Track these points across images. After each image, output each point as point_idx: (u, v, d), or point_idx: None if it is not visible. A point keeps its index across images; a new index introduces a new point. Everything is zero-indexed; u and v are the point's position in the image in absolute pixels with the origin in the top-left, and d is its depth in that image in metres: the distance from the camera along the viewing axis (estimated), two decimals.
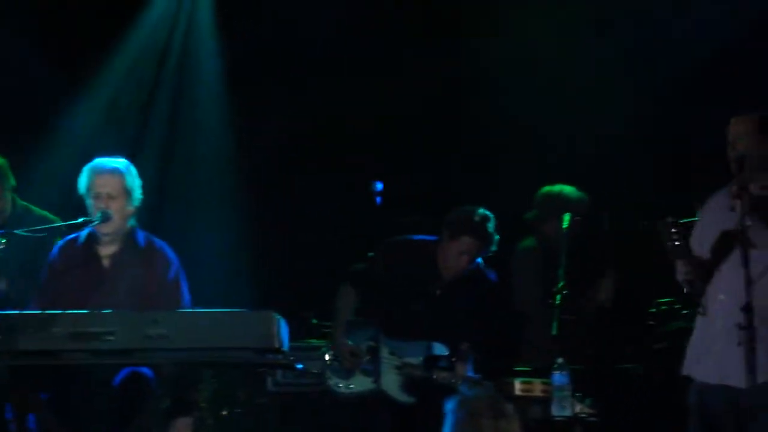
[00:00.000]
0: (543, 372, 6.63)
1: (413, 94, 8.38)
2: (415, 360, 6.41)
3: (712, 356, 5.57)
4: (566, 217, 6.80)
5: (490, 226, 6.54)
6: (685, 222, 5.61)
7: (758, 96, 6.45)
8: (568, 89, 8.07)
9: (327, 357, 6.56)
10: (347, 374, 6.41)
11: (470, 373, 6.42)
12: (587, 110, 8.00)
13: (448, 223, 6.54)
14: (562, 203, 7.12)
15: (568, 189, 7.32)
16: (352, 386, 6.39)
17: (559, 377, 6.43)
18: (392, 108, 8.40)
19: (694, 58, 7.77)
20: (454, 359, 6.42)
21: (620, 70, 8.04)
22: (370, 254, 6.63)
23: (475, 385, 6.32)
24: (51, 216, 6.77)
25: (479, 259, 6.63)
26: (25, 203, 6.99)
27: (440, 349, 6.44)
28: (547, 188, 7.39)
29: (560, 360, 6.43)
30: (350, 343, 6.47)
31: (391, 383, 6.38)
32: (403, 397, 6.39)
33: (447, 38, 8.38)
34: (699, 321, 5.74)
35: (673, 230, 5.45)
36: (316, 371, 7.38)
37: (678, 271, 5.64)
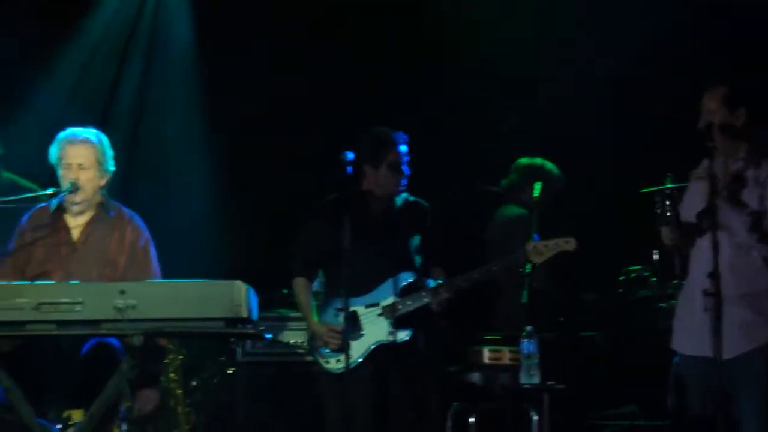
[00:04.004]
0: (512, 340, 6.67)
1: (388, 58, 8.42)
2: (391, 298, 6.38)
3: (690, 329, 5.62)
4: (537, 186, 6.82)
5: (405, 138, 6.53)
6: (677, 187, 5.69)
7: None
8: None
9: (312, 345, 6.52)
10: (339, 350, 6.36)
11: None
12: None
13: (371, 149, 6.46)
14: (543, 175, 7.17)
15: (549, 164, 7.42)
16: (349, 356, 6.33)
17: (527, 345, 6.47)
18: (365, 73, 8.43)
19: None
20: (421, 282, 6.39)
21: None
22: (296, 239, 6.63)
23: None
24: (37, 188, 6.75)
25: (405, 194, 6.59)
26: (10, 175, 6.98)
27: (406, 277, 6.39)
28: (527, 159, 7.45)
29: (529, 328, 6.47)
30: (325, 322, 6.44)
31: (380, 331, 6.33)
32: (398, 336, 6.31)
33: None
34: (681, 294, 5.81)
35: (667, 202, 5.54)
36: (285, 341, 7.42)
37: (664, 236, 5.72)
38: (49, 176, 6.13)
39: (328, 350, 6.40)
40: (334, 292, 6.41)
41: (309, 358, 6.91)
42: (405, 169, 6.48)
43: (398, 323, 6.34)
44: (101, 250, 5.89)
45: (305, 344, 7.32)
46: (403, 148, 6.48)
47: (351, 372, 6.25)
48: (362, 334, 6.33)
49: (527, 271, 6.38)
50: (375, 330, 6.35)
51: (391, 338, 6.33)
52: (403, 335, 6.32)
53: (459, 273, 6.41)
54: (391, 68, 8.54)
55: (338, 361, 6.33)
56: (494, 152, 7.84)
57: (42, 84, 8.55)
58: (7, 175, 7.02)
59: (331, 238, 6.22)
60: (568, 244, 6.29)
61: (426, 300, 6.33)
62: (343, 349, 6.14)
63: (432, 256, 6.53)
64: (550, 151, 7.47)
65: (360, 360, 6.30)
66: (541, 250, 6.31)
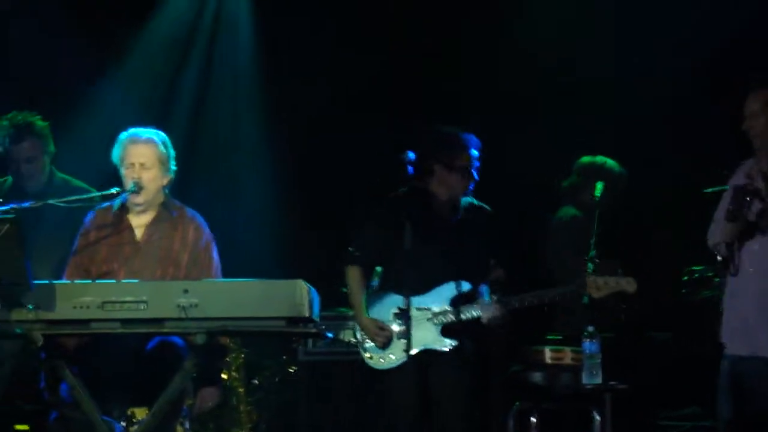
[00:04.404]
0: (573, 340, 6.65)
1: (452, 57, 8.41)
2: (444, 305, 6.37)
3: (743, 328, 5.58)
4: (599, 186, 6.80)
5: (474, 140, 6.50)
6: (714, 191, 5.66)
7: None
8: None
9: (357, 338, 6.52)
10: (384, 347, 6.37)
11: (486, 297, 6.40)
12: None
13: (440, 150, 6.44)
14: (605, 174, 7.13)
15: (611, 162, 7.34)
16: (392, 356, 6.35)
17: (589, 345, 6.45)
18: (428, 75, 8.43)
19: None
20: (477, 291, 6.39)
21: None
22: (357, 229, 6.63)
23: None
24: (90, 188, 6.82)
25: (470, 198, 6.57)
26: (63, 175, 7.05)
27: (463, 286, 6.38)
28: (589, 158, 7.41)
29: (591, 328, 6.44)
30: (373, 318, 6.43)
31: (427, 336, 6.33)
32: (444, 345, 6.31)
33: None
34: (729, 292, 5.77)
35: (747, 198, 5.51)
36: (347, 340, 7.42)
37: (727, 232, 5.71)
38: (106, 177, 6.20)
39: (372, 346, 6.40)
40: (387, 288, 6.41)
41: None
42: (475, 174, 6.46)
43: (446, 331, 6.34)
44: (164, 249, 5.92)
45: None
46: (475, 153, 6.46)
47: (395, 370, 6.31)
48: (405, 337, 6.31)
49: (585, 301, 6.36)
50: (422, 334, 6.31)
51: (437, 346, 6.34)
52: (449, 343, 6.32)
53: (517, 278, 6.40)
54: (455, 67, 8.51)
55: (381, 358, 6.33)
56: (559, 152, 7.78)
57: (103, 85, 8.62)
58: (60, 175, 7.09)
59: (391, 234, 6.21)
60: (629, 285, 6.25)
61: (476, 314, 6.32)
62: (389, 347, 6.23)
63: (496, 259, 6.50)
64: (613, 151, 7.41)
65: (403, 361, 6.25)
66: (600, 285, 6.27)
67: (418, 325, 6.29)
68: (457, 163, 6.42)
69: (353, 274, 6.53)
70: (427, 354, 6.32)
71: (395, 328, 6.35)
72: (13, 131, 6.82)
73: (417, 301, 6.30)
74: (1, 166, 6.98)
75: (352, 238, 6.60)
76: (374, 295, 6.51)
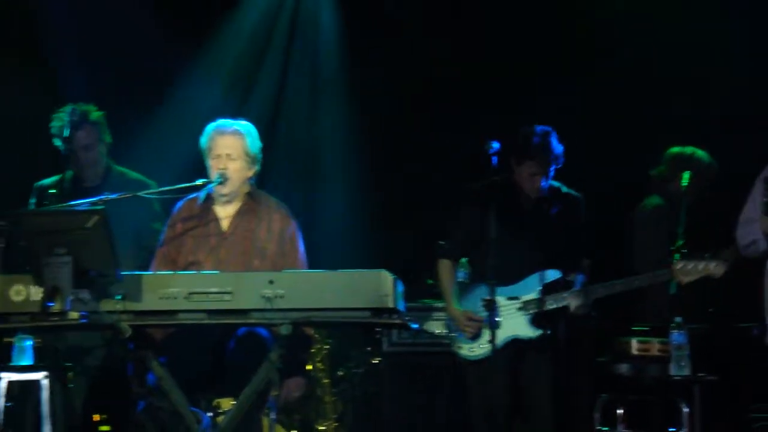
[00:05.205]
0: (661, 331, 6.58)
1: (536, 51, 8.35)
2: (533, 294, 6.36)
3: None
4: (686, 175, 6.74)
5: (552, 140, 6.44)
6: None
7: None
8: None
9: (449, 330, 6.56)
10: (474, 338, 6.38)
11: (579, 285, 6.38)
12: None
13: (512, 150, 6.43)
14: (693, 164, 7.07)
15: (700, 152, 7.28)
16: (482, 346, 6.35)
17: (677, 336, 6.39)
18: (511, 64, 8.38)
19: None
20: (567, 279, 6.37)
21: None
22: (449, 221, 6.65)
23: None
24: (147, 180, 6.91)
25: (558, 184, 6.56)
26: (121, 168, 7.15)
27: (552, 275, 6.38)
28: (678, 148, 7.35)
29: (678, 319, 6.38)
30: (463, 308, 6.45)
31: (517, 326, 6.33)
32: (534, 333, 6.33)
33: None
34: None
35: None
36: (432, 332, 7.42)
37: (764, 224, 5.80)
38: (186, 168, 6.24)
39: (463, 336, 6.40)
40: (477, 279, 6.40)
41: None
42: (549, 171, 6.45)
43: (536, 320, 6.32)
44: (250, 239, 5.94)
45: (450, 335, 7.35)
46: (547, 149, 6.42)
47: (485, 361, 6.32)
48: (499, 325, 6.30)
49: (673, 291, 6.29)
50: (512, 323, 6.34)
51: (528, 334, 6.35)
52: (540, 333, 6.31)
53: (604, 266, 6.35)
54: (542, 60, 8.45)
55: (471, 349, 6.33)
56: (648, 143, 7.69)
57: (188, 77, 8.68)
58: (118, 168, 7.18)
59: (480, 225, 6.21)
60: (717, 269, 6.18)
61: (564, 303, 6.31)
62: (479, 337, 6.23)
63: (583, 248, 6.47)
64: (704, 141, 7.33)
65: (493, 351, 6.25)
66: (688, 270, 6.22)
67: (508, 314, 6.33)
68: (525, 162, 6.43)
69: (443, 267, 6.59)
70: (518, 343, 6.34)
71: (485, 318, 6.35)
72: (70, 120, 6.96)
73: (507, 290, 6.33)
74: (62, 160, 7.08)
75: (445, 231, 6.63)
76: (465, 287, 6.55)
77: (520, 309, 6.36)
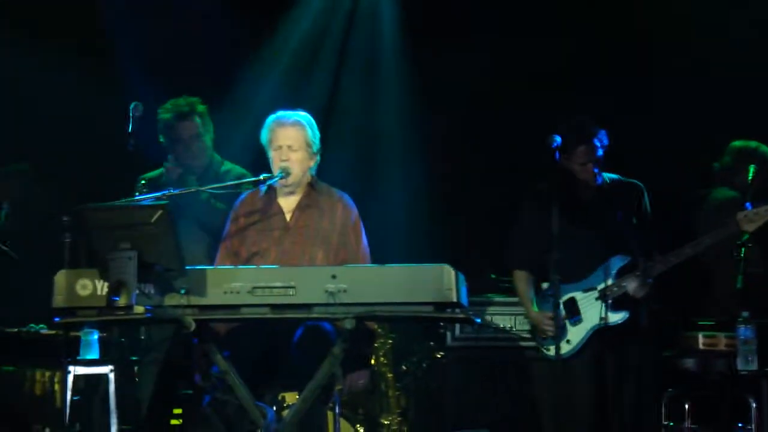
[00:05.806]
0: (727, 326, 6.52)
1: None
2: (606, 282, 6.35)
3: None
4: (751, 169, 6.67)
5: (594, 126, 6.44)
6: None
7: None
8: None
9: (532, 335, 6.60)
10: (557, 337, 6.36)
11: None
12: None
13: (562, 143, 6.35)
14: (758, 158, 7.01)
15: (765, 147, 7.25)
16: (566, 343, 6.35)
17: (744, 331, 6.33)
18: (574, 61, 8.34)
19: None
20: (635, 263, 6.35)
21: None
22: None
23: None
24: (250, 174, 6.91)
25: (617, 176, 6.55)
26: (229, 164, 7.19)
27: (621, 260, 6.37)
28: (742, 141, 7.32)
29: (746, 314, 6.32)
30: (542, 310, 6.44)
31: (598, 315, 6.32)
32: (613, 319, 6.30)
33: None
34: None
35: None
36: (494, 326, 7.41)
37: None
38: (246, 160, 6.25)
39: (545, 339, 6.44)
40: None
41: (521, 344, 7.09)
42: (599, 158, 6.43)
43: (614, 306, 6.30)
44: (313, 230, 5.94)
45: (514, 329, 7.34)
46: (596, 142, 6.41)
47: (570, 358, 6.32)
48: (580, 320, 6.30)
49: (744, 239, 6.22)
50: (592, 315, 6.34)
51: (613, 320, 6.33)
52: (618, 317, 6.31)
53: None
54: (604, 59, 8.41)
55: (558, 347, 6.31)
56: (710, 135, 7.63)
57: (249, 72, 8.72)
58: (226, 166, 7.23)
59: (546, 226, 6.17)
60: None
61: (638, 279, 6.27)
62: (557, 335, 6.15)
63: (648, 236, 6.43)
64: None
65: (579, 346, 6.31)
66: (752, 217, 6.20)
67: (588, 305, 6.36)
68: (574, 153, 6.41)
69: (519, 277, 6.64)
70: (601, 331, 6.33)
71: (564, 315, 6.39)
72: (177, 111, 7.09)
73: (581, 284, 6.38)
74: (158, 155, 7.14)
75: (510, 242, 6.67)
76: (542, 292, 6.55)
77: (598, 299, 6.35)
